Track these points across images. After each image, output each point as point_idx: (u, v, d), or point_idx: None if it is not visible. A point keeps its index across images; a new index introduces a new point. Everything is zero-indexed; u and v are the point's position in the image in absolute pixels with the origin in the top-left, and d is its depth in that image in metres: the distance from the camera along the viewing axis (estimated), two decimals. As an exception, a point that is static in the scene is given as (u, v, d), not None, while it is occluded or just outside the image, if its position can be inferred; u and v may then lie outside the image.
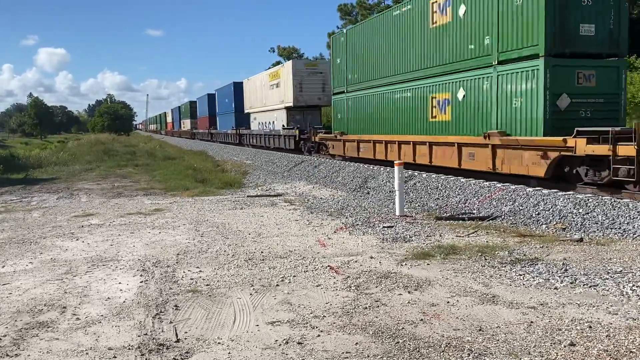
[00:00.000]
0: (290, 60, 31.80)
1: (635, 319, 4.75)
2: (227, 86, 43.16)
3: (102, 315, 5.28)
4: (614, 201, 9.16)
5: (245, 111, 37.56)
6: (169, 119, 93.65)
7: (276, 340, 4.54)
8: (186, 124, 69.76)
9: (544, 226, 8.99)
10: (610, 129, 9.73)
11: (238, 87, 39.19)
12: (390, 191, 13.27)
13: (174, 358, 4.26)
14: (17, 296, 5.98)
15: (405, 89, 16.44)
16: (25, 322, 5.14)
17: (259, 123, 34.45)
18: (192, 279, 6.46)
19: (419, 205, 11.79)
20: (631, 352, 4.08)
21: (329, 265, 6.87)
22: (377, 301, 5.46)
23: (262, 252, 7.76)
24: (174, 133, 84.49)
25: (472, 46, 13.09)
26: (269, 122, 31.99)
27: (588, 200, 9.46)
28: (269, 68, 40.08)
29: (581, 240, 7.90)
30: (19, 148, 47.27)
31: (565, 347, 4.22)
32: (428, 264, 6.81)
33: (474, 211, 10.61)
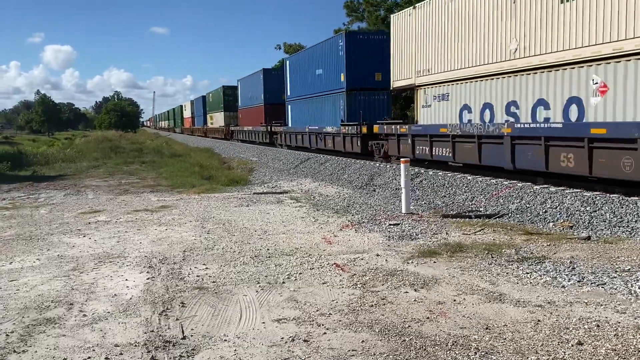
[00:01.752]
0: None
1: (643, 318, 4.71)
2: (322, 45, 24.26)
3: (108, 312, 5.29)
4: (622, 199, 9.09)
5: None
6: (187, 113, 77.20)
7: (282, 338, 4.54)
8: (217, 119, 52.13)
9: (551, 224, 8.94)
10: None
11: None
12: (396, 188, 13.23)
13: (180, 355, 4.26)
14: (24, 292, 6.01)
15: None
16: (32, 319, 5.16)
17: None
18: (198, 275, 6.47)
19: (425, 203, 11.76)
20: (639, 351, 4.05)
21: (335, 263, 6.86)
22: (383, 299, 5.44)
23: (268, 249, 7.76)
24: (196, 131, 68.31)
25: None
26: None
27: (596, 198, 9.39)
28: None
29: (589, 238, 7.85)
30: (27, 145, 47.57)
31: (572, 346, 4.19)
32: (434, 262, 6.79)
33: (481, 209, 10.57)
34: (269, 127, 32.39)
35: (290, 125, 29.23)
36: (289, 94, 29.54)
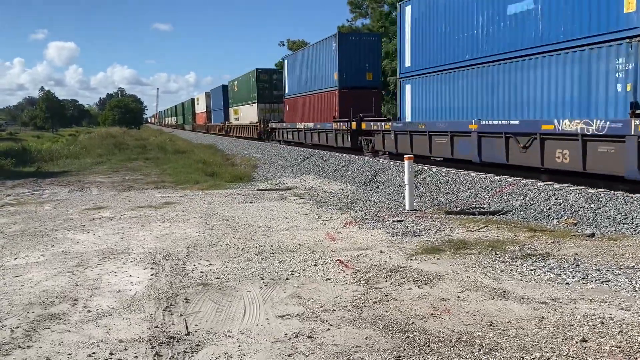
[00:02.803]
0: None
1: (648, 315, 4.70)
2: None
3: (113, 308, 5.30)
4: (627, 196, 9.06)
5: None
6: (201, 108, 66.61)
7: (286, 334, 4.55)
8: (245, 114, 41.11)
9: (555, 221, 8.92)
10: None
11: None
12: (399, 185, 13.22)
13: (184, 351, 4.27)
14: (29, 288, 6.03)
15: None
16: (37, 314, 5.18)
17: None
18: (202, 272, 6.48)
19: (429, 200, 11.74)
20: (644, 348, 4.04)
21: (338, 259, 6.86)
22: (387, 295, 5.44)
23: (271, 245, 7.77)
24: (213, 128, 57.74)
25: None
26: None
27: (600, 195, 9.37)
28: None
29: (593, 235, 7.83)
30: (31, 141, 47.68)
31: (577, 343, 4.18)
32: (438, 259, 6.78)
33: (485, 206, 10.55)
34: (349, 123, 21.34)
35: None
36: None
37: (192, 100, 76.07)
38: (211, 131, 59.24)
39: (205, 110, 63.17)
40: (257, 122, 37.71)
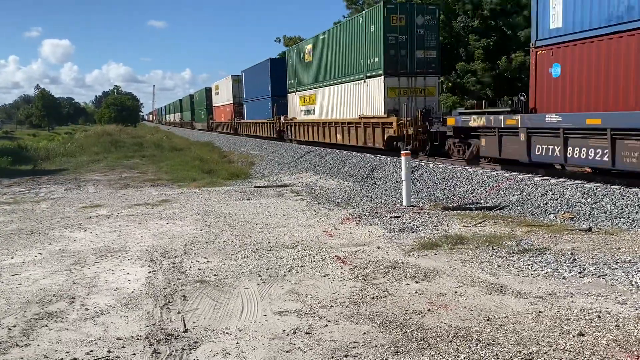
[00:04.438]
0: None
1: (644, 309, 4.72)
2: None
3: (110, 306, 5.30)
4: (623, 190, 9.08)
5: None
6: (222, 99, 47.55)
7: (284, 330, 4.55)
8: (340, 101, 21.14)
9: (552, 216, 8.94)
10: None
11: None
12: (397, 181, 13.23)
13: (182, 348, 4.27)
14: (26, 287, 6.02)
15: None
16: (34, 313, 5.17)
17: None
18: (199, 269, 6.48)
19: (426, 196, 11.76)
20: (640, 342, 4.06)
21: (336, 256, 6.87)
22: (384, 291, 5.45)
23: (269, 242, 7.77)
24: (246, 127, 39.02)
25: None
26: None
27: (596, 189, 9.39)
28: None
29: (590, 229, 7.85)
30: (27, 139, 47.51)
31: (574, 337, 4.20)
32: (435, 254, 6.80)
33: (482, 201, 10.57)
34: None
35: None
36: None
37: (206, 89, 57.92)
38: (243, 131, 40.41)
39: (229, 101, 43.80)
40: (385, 118, 17.71)
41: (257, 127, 35.54)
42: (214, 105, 53.93)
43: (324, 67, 22.84)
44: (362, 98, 19.36)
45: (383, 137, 17.81)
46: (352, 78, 20.07)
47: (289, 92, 27.80)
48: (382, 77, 17.67)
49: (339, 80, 21.25)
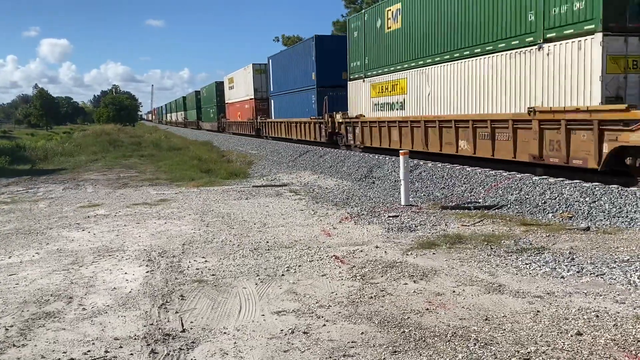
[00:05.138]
0: None
1: (642, 308, 4.71)
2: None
3: (108, 306, 5.29)
4: (621, 189, 9.08)
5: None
6: (238, 93, 39.48)
7: (282, 330, 4.54)
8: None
9: (550, 215, 8.94)
10: None
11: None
12: (395, 181, 13.21)
13: (179, 348, 4.26)
14: (23, 286, 6.01)
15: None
16: (31, 313, 5.16)
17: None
18: (197, 269, 6.47)
19: (424, 195, 11.75)
20: (639, 341, 4.06)
21: (334, 255, 6.86)
22: (382, 291, 5.45)
23: (267, 242, 7.76)
24: (273, 129, 30.99)
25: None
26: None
27: (595, 188, 9.38)
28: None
29: (588, 229, 7.85)
30: (25, 139, 47.44)
31: (572, 336, 4.19)
32: (434, 254, 6.79)
33: (480, 200, 10.57)
34: None
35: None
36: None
37: (216, 85, 49.14)
38: (269, 133, 32.23)
39: (249, 96, 35.78)
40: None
41: (292, 127, 27.14)
42: (227, 101, 44.94)
43: (432, 32, 14.65)
44: (534, 77, 11.14)
45: (601, 149, 9.62)
46: (505, 45, 11.80)
47: (351, 80, 20.06)
48: (599, 34, 9.49)
49: (471, 53, 13.02)
